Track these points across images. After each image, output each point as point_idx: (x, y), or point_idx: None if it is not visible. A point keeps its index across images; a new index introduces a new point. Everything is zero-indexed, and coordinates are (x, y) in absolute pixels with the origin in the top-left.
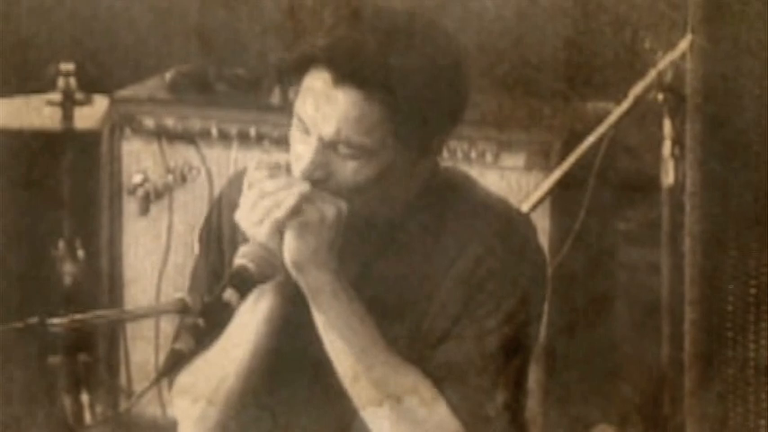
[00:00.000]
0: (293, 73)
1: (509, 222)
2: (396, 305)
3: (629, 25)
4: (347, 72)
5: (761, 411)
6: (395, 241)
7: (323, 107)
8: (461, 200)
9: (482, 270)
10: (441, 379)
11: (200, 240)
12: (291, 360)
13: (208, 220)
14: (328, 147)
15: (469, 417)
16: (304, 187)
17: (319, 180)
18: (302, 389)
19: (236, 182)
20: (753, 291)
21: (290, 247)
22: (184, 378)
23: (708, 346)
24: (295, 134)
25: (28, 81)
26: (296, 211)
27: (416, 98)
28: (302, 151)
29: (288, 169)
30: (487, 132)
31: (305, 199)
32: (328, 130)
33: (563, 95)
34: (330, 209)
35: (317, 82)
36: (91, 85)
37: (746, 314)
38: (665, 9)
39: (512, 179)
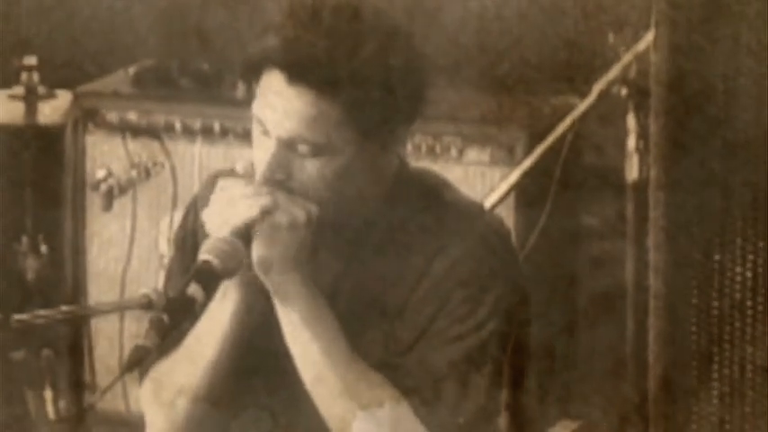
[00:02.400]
0: (250, 74)
1: (483, 225)
2: (373, 307)
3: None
4: (300, 71)
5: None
6: (371, 243)
7: (279, 107)
8: (436, 202)
9: (457, 274)
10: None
11: (176, 241)
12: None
13: (183, 221)
14: (287, 147)
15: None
16: (269, 199)
17: (281, 181)
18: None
19: (210, 184)
20: (716, 285)
21: (259, 250)
22: (154, 375)
23: (672, 341)
24: (256, 137)
25: None
26: (257, 221)
27: (371, 93)
28: (263, 153)
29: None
30: (452, 127)
31: (269, 209)
32: (286, 129)
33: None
34: (300, 213)
35: (272, 82)
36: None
37: (710, 308)
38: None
39: (476, 174)
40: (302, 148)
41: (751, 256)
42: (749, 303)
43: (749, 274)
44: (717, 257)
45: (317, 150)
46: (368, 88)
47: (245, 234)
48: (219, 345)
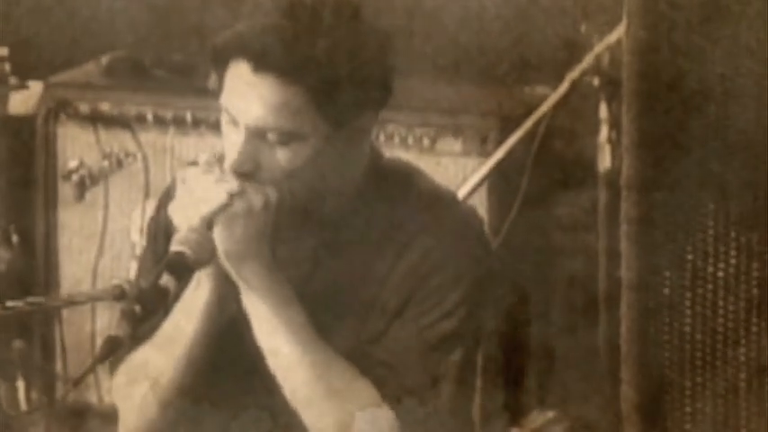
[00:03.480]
0: (217, 65)
1: (456, 214)
2: (346, 296)
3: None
4: (265, 60)
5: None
6: (344, 232)
7: (246, 97)
8: (408, 192)
9: (429, 262)
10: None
11: (148, 235)
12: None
13: (155, 214)
14: (256, 136)
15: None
16: (233, 185)
17: (250, 171)
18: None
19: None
20: (688, 275)
21: (220, 239)
22: (127, 366)
23: (645, 333)
24: (225, 127)
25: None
26: (224, 208)
27: (338, 80)
28: (233, 143)
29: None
30: (425, 118)
31: (236, 193)
32: (254, 118)
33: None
34: (257, 198)
35: (238, 72)
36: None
37: (683, 299)
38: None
39: (449, 164)
40: (271, 136)
41: (731, 252)
42: (687, 285)
43: (689, 250)
44: (688, 248)
45: (286, 138)
46: (332, 75)
47: (212, 224)
48: (192, 336)
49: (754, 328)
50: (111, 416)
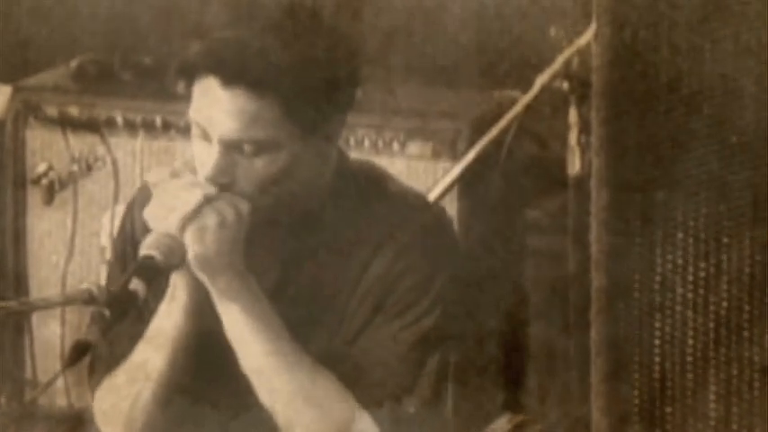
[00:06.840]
0: (184, 79)
1: (425, 214)
2: (319, 300)
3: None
4: (232, 74)
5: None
6: (314, 237)
7: (217, 110)
8: (377, 195)
9: (401, 264)
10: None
11: (115, 245)
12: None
13: (122, 225)
14: (232, 148)
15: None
16: (207, 188)
17: (226, 184)
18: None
19: (144, 189)
20: (658, 278)
21: (193, 251)
22: (108, 382)
23: (616, 335)
24: (196, 141)
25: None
26: (198, 211)
27: (304, 85)
28: (206, 157)
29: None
30: (394, 121)
31: (207, 200)
32: (227, 131)
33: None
34: (229, 211)
35: (206, 87)
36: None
37: (652, 302)
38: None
39: (419, 167)
40: (248, 147)
41: (701, 254)
42: (657, 289)
43: (658, 253)
44: (657, 250)
45: (261, 148)
46: (300, 82)
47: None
48: (177, 339)
49: (723, 333)
50: (80, 420)
